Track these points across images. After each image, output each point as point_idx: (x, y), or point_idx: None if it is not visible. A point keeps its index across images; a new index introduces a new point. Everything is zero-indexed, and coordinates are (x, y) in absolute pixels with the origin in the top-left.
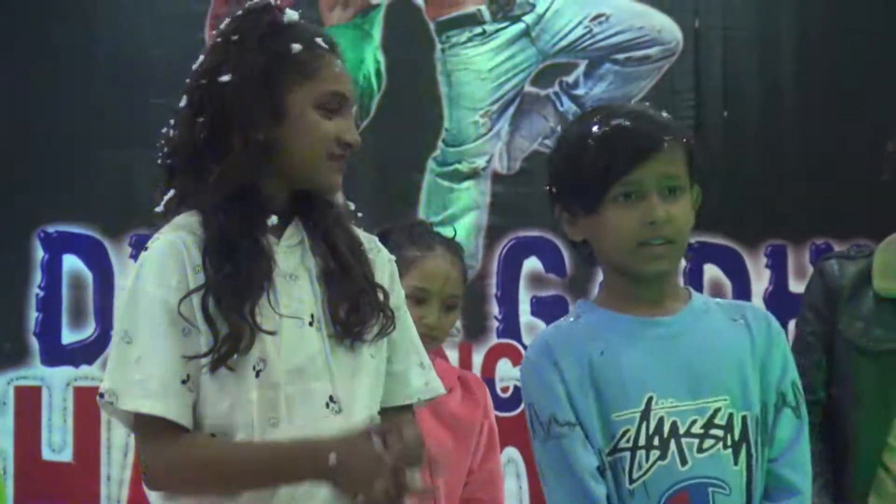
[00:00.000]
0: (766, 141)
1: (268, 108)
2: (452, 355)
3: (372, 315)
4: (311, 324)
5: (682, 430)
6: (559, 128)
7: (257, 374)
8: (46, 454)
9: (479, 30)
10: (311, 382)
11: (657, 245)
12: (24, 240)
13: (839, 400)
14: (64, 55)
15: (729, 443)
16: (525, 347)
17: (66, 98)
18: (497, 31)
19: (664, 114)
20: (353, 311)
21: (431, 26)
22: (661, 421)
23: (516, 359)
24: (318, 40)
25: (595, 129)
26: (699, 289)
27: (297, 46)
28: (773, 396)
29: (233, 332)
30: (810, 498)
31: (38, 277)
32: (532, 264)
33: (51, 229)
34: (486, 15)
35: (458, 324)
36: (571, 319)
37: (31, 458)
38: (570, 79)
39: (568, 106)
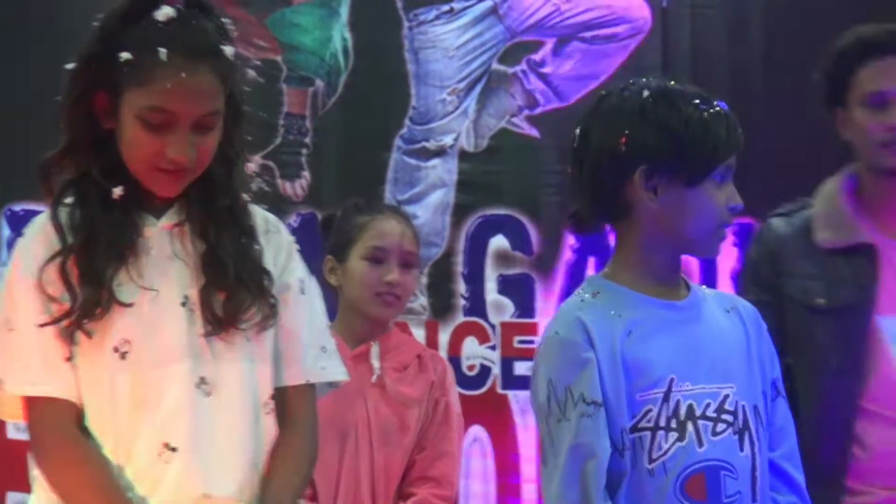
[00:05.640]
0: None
1: (105, 101)
2: (419, 333)
3: (250, 305)
4: (183, 304)
5: (698, 413)
6: (531, 103)
7: (123, 356)
8: (11, 433)
9: (446, 7)
10: (179, 362)
11: (726, 230)
12: None
13: (797, 371)
14: (33, 34)
15: (736, 429)
16: (491, 326)
17: (35, 76)
18: (464, 8)
19: None
20: (227, 301)
21: (399, 4)
22: (678, 403)
23: (482, 337)
24: (163, 50)
25: (707, 107)
26: None
27: (125, 55)
28: (768, 387)
29: (88, 296)
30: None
31: (3, 255)
32: (499, 242)
33: (17, 207)
34: None
35: (425, 301)
36: (590, 295)
37: None
38: (537, 57)
39: (535, 84)
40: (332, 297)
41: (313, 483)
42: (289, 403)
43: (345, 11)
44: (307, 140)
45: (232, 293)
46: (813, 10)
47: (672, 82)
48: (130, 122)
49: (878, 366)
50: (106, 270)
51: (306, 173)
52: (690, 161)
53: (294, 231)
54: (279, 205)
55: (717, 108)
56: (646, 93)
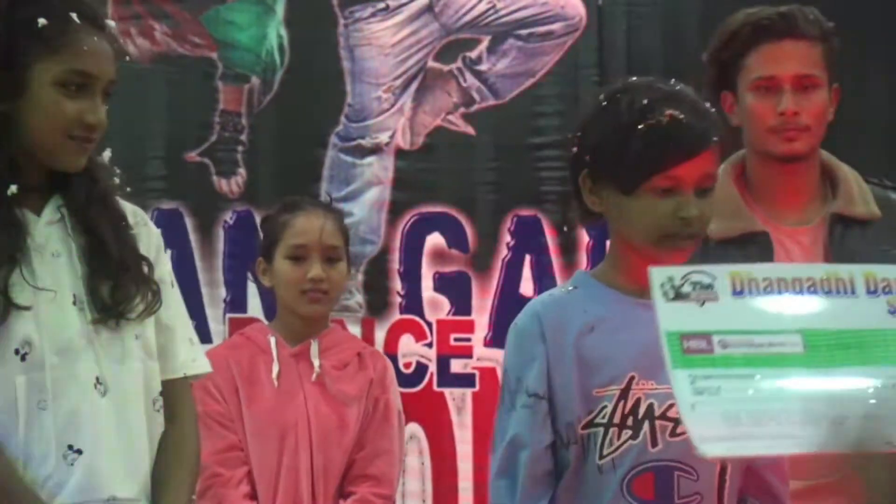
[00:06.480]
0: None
1: (6, 81)
2: (355, 331)
3: (136, 292)
4: (74, 303)
5: (657, 413)
6: (466, 101)
7: (23, 358)
8: None
9: (381, 5)
10: (76, 363)
11: (682, 239)
12: None
13: None
14: None
15: None
16: (427, 324)
17: None
18: (400, 6)
19: (707, 105)
20: (115, 289)
21: (334, 1)
22: (638, 401)
23: (419, 335)
24: (73, 14)
25: (648, 115)
26: None
27: (42, 20)
28: None
29: None
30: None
31: None
32: (435, 240)
33: None
34: None
35: (361, 299)
36: (568, 289)
37: None
38: (473, 54)
39: (471, 81)
40: (273, 297)
41: (252, 481)
42: (170, 398)
43: (280, 8)
44: (243, 137)
45: (117, 281)
46: (748, 8)
47: (649, 83)
48: (46, 92)
49: None
50: (1, 274)
51: (242, 170)
52: (621, 169)
53: (230, 228)
54: (215, 202)
55: (668, 117)
56: (601, 96)
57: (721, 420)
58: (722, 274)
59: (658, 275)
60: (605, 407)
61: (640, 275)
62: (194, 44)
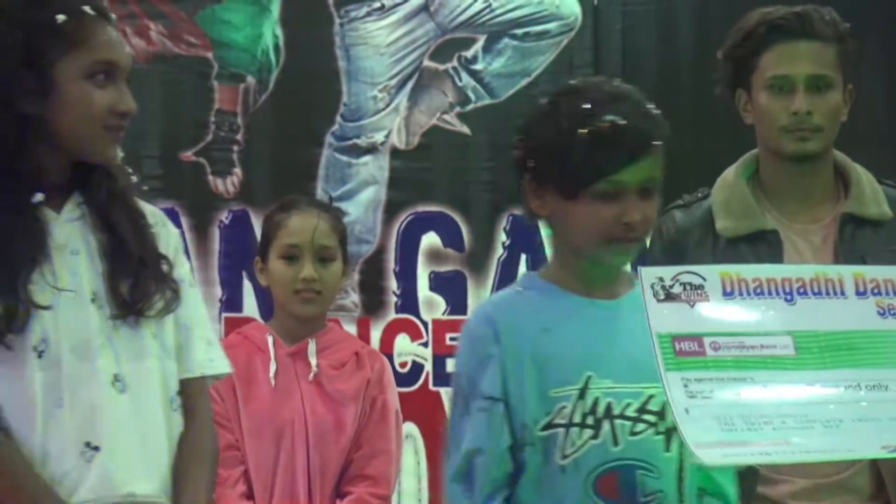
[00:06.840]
0: (663, 116)
1: (32, 82)
2: (350, 330)
3: (155, 290)
4: (93, 300)
5: (616, 412)
6: (462, 101)
7: (40, 355)
8: None
9: (377, 4)
10: (94, 360)
11: (626, 242)
12: None
13: None
14: None
15: (661, 429)
16: (423, 323)
17: None
18: (396, 5)
19: (651, 107)
20: (134, 287)
21: (330, 0)
22: (596, 400)
23: (414, 334)
24: (86, 8)
25: (588, 120)
26: None
27: (61, 17)
28: None
29: (5, 309)
30: (736, 499)
31: None
32: (431, 239)
33: None
34: None
35: (356, 298)
36: (517, 290)
37: None
38: (468, 53)
39: (466, 81)
40: (269, 296)
41: (249, 481)
42: (187, 397)
43: (276, 8)
44: (239, 137)
45: (137, 278)
46: (743, 7)
47: (595, 84)
48: (76, 86)
49: None
50: (21, 280)
51: (238, 170)
52: (563, 175)
53: (226, 228)
54: (210, 201)
55: (609, 123)
56: (543, 100)
57: (716, 424)
58: (712, 274)
59: (648, 275)
60: (564, 407)
61: (587, 275)
62: (190, 43)
